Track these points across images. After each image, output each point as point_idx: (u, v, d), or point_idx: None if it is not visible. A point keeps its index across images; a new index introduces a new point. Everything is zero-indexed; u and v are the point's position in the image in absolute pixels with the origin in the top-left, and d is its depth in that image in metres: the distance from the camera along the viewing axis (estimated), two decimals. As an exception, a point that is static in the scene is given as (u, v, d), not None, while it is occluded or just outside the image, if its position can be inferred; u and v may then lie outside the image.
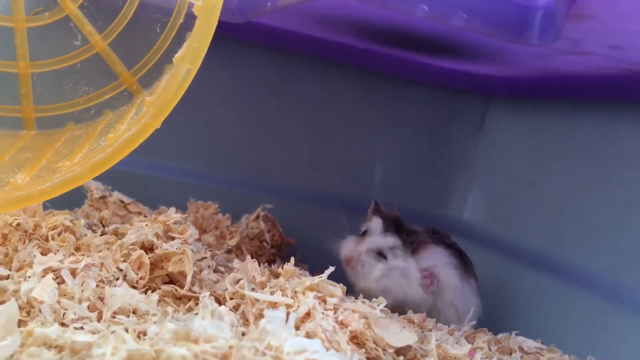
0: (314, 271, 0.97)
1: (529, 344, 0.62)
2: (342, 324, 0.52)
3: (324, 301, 0.54)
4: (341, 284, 0.57)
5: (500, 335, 0.65)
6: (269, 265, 0.89)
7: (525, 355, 0.61)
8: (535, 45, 0.55)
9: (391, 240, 0.75)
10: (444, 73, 1.02)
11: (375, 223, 0.77)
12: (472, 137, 1.05)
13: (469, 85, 1.04)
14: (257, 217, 0.90)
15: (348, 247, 0.77)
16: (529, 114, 0.96)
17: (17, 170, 0.59)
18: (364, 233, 0.78)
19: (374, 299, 0.56)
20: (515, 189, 0.95)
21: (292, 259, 0.63)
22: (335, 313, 0.53)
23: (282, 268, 0.60)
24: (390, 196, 1.04)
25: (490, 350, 0.61)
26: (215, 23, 0.53)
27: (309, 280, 0.55)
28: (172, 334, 0.42)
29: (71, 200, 0.83)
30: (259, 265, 0.70)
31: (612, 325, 0.72)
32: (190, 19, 0.74)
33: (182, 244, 0.64)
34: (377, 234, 0.76)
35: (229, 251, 0.85)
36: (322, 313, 0.52)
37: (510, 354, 0.62)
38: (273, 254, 0.90)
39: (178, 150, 0.96)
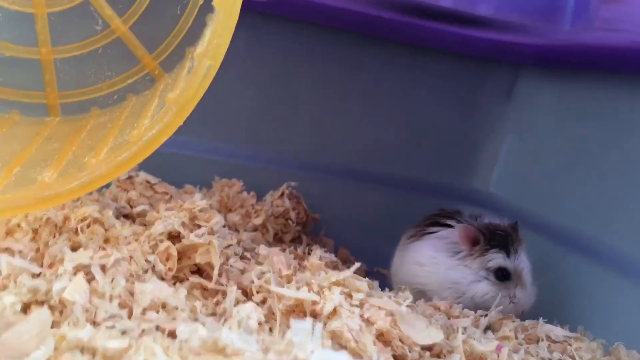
0: (339, 246, 0.98)
1: (557, 332, 0.62)
2: (369, 322, 0.52)
3: (350, 296, 0.54)
4: (367, 279, 0.57)
5: (527, 323, 0.65)
6: (294, 242, 0.90)
7: (552, 344, 0.61)
8: (568, 30, 0.53)
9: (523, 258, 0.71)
10: (471, 41, 0.99)
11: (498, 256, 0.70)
12: (499, 107, 1.02)
13: (497, 53, 1.01)
14: (282, 194, 0.90)
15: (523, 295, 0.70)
16: (561, 83, 0.94)
17: (44, 164, 0.59)
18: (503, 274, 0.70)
19: (400, 294, 0.56)
20: (544, 162, 0.93)
21: (318, 252, 0.63)
22: (361, 309, 0.53)
23: (308, 260, 0.60)
24: (414, 169, 1.03)
25: (517, 338, 0.61)
26: (236, 18, 0.51)
27: (335, 275, 0.55)
28: (200, 344, 0.42)
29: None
30: (284, 250, 0.71)
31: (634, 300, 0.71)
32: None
33: (208, 233, 0.65)
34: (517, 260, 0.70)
35: (254, 229, 0.85)
36: (348, 310, 0.52)
37: (538, 342, 0.62)
38: (298, 231, 0.90)
39: (202, 126, 0.95)
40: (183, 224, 0.64)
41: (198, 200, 0.69)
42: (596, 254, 0.77)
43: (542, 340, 0.61)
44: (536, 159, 0.94)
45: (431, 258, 0.72)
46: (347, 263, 0.95)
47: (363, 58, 0.99)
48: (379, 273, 0.96)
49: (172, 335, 0.49)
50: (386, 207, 1.01)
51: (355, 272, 0.57)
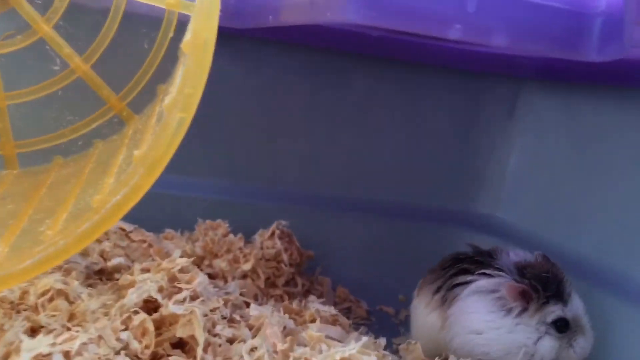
0: (337, 285, 0.90)
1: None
2: (380, 409, 0.44)
3: (357, 376, 0.47)
4: (376, 351, 0.49)
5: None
6: (288, 285, 0.83)
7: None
8: (596, 59, 0.46)
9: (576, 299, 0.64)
10: (467, 55, 0.92)
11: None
12: (502, 123, 0.95)
13: (497, 67, 0.93)
14: (272, 234, 0.82)
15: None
16: (568, 97, 0.86)
17: (-4, 234, 0.52)
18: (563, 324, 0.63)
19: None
20: (555, 184, 0.86)
21: (318, 322, 0.55)
22: (370, 392, 0.45)
23: (307, 333, 0.52)
24: (414, 195, 0.95)
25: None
26: (209, 62, 0.44)
27: (339, 352, 0.47)
28: None
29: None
30: (280, 299, 0.64)
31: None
32: (181, 30, 0.65)
33: (190, 297, 0.57)
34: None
35: (243, 276, 0.78)
36: (356, 396, 0.44)
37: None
38: (292, 272, 0.82)
39: (181, 161, 0.87)
40: (160, 289, 0.56)
41: (178, 258, 0.61)
42: (624, 289, 0.70)
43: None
44: (546, 181, 0.87)
45: (487, 323, 0.63)
46: (347, 302, 0.88)
47: (353, 78, 0.92)
48: (382, 311, 0.89)
49: None
50: (386, 238, 0.93)
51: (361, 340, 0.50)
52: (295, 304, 0.67)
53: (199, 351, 0.50)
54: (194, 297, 0.59)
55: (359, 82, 0.92)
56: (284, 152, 0.91)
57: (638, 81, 0.74)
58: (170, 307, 0.54)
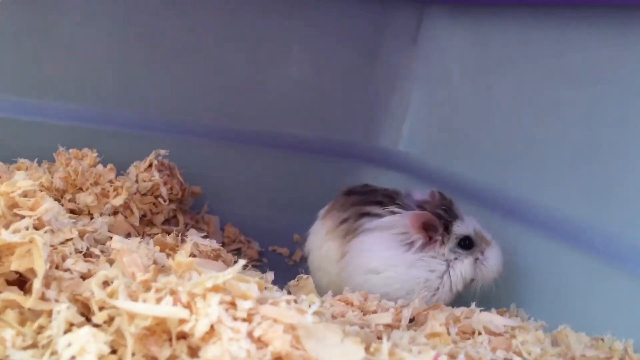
0: (226, 223, 0.82)
1: (496, 321, 0.50)
2: (261, 342, 0.37)
3: (234, 306, 0.39)
4: (258, 276, 0.41)
5: (458, 311, 0.52)
6: (169, 224, 0.73)
7: (493, 337, 0.48)
8: None
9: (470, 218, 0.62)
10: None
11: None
12: (405, 52, 0.89)
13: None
14: (150, 165, 0.72)
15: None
16: (474, 22, 0.81)
17: None
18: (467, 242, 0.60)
19: (304, 298, 0.41)
20: (458, 114, 0.81)
21: (188, 247, 0.46)
22: (250, 324, 0.37)
23: (174, 258, 0.43)
24: (311, 127, 0.88)
25: (449, 334, 0.48)
26: None
27: (210, 279, 0.39)
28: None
29: None
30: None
31: (569, 265, 0.62)
32: None
33: (34, 225, 0.46)
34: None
35: (114, 213, 0.67)
36: (231, 329, 0.36)
37: (473, 334, 0.49)
38: (173, 210, 0.73)
39: (41, 82, 0.74)
40: (-6, 216, 0.46)
41: (20, 181, 0.50)
42: (524, 216, 0.67)
43: (480, 333, 0.49)
44: (450, 111, 0.82)
45: (386, 260, 0.58)
46: (236, 243, 0.80)
47: (244, 2, 0.82)
48: (275, 252, 0.82)
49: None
50: (280, 173, 0.86)
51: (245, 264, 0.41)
52: (170, 238, 0.58)
53: (36, 284, 0.40)
54: (38, 227, 0.48)
55: (251, 6, 0.81)
56: (166, 76, 0.80)
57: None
58: (3, 235, 0.43)
